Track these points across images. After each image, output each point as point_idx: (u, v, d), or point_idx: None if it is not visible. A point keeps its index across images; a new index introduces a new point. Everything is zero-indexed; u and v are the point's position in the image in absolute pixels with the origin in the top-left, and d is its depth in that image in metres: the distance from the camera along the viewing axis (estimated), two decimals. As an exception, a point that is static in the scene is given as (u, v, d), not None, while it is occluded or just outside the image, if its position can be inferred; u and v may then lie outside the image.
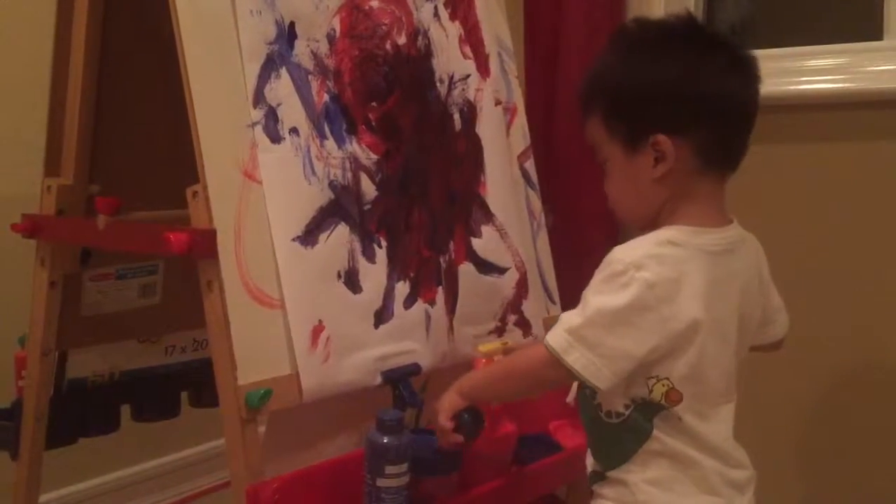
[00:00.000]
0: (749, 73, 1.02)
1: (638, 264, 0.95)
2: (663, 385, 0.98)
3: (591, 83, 1.07)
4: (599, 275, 0.98)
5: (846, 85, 1.66)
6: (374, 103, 1.26)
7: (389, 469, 1.04)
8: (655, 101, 1.00)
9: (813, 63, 1.70)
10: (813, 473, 1.71)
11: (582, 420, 1.10)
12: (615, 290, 0.95)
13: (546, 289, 1.52)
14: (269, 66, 1.14)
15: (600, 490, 1.06)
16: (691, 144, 1.00)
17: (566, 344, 0.97)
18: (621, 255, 0.97)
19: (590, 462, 1.09)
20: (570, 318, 0.99)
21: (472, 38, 1.44)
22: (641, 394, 1.00)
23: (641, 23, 1.08)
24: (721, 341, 1.00)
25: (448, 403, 1.10)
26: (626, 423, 1.02)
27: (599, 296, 0.97)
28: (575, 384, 1.41)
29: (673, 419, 0.99)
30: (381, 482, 1.04)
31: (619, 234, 1.71)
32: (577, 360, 0.96)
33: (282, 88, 1.15)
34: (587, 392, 1.06)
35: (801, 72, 1.70)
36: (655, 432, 1.00)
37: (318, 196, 1.16)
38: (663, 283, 0.95)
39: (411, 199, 1.28)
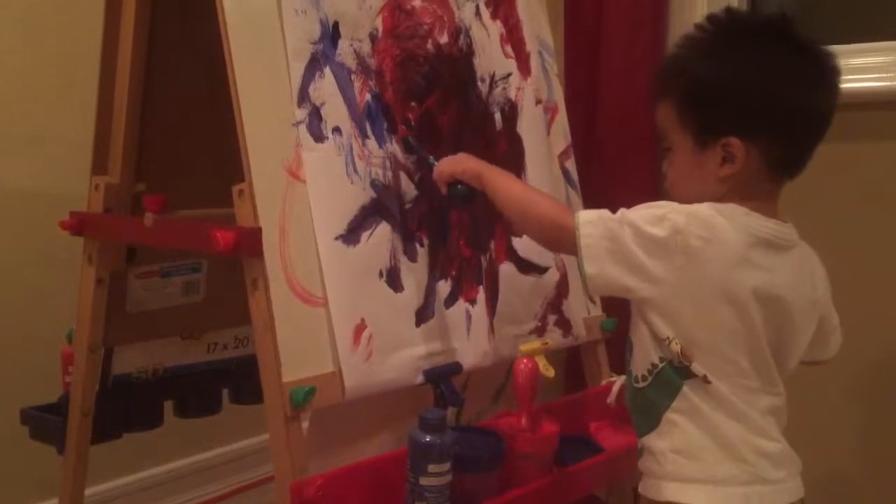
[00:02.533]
0: (833, 87, 1.01)
1: (677, 209, 0.98)
2: (676, 344, 0.99)
3: (674, 65, 1.06)
4: (642, 205, 1.00)
5: (892, 83, 1.63)
6: (414, 103, 1.26)
7: (432, 468, 1.04)
8: (738, 102, 0.99)
9: (857, 61, 1.67)
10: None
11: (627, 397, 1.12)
12: (649, 219, 0.97)
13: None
14: (314, 66, 1.15)
15: (640, 465, 1.07)
16: (762, 150, 1.00)
17: (595, 218, 1.00)
18: (665, 202, 1.00)
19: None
20: (607, 213, 1.01)
21: (513, 37, 1.44)
22: (666, 357, 1.01)
23: (735, 14, 1.07)
24: (739, 321, 0.98)
25: (461, 166, 1.16)
26: (651, 388, 1.03)
27: (634, 216, 0.99)
28: (617, 384, 1.41)
29: (695, 382, 0.99)
30: (423, 480, 1.04)
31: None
32: (589, 235, 0.99)
33: (325, 88, 1.16)
34: (626, 359, 1.08)
35: (845, 70, 1.66)
36: (684, 390, 1.00)
37: (361, 195, 1.17)
38: (690, 235, 0.95)
39: (452, 199, 1.28)
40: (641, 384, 1.04)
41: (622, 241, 0.98)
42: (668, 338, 0.99)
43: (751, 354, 1.00)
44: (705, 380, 0.99)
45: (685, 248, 0.96)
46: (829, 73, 1.01)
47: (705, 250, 0.96)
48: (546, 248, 1.19)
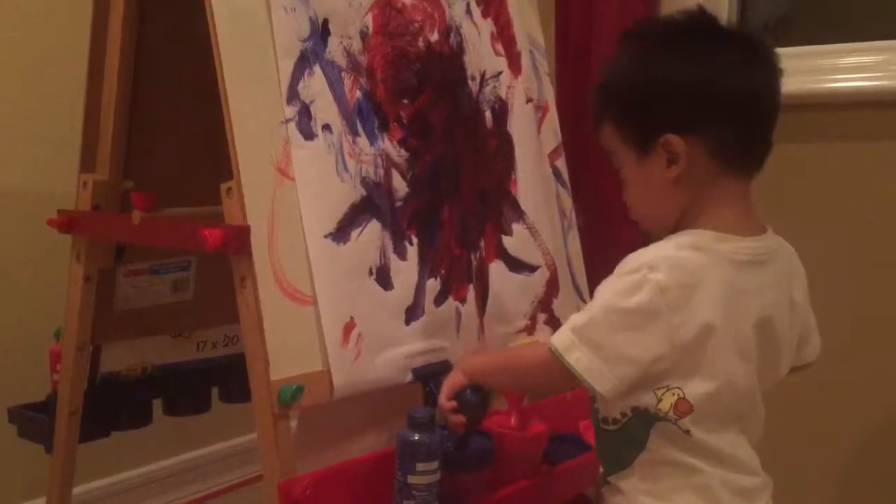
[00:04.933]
0: (766, 67, 0.96)
1: (652, 265, 0.90)
2: (673, 394, 0.93)
3: (600, 88, 1.03)
4: (613, 275, 0.94)
5: (882, 83, 1.64)
6: (405, 100, 1.26)
7: (420, 466, 1.04)
8: (663, 100, 0.95)
9: (848, 61, 1.68)
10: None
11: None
12: (625, 290, 0.91)
13: (576, 287, 1.51)
14: (303, 63, 1.14)
15: (605, 495, 1.03)
16: (705, 144, 0.94)
17: (569, 342, 0.93)
18: (637, 255, 0.93)
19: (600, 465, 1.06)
20: (577, 317, 0.95)
21: (503, 36, 1.44)
22: (645, 403, 0.94)
23: (649, 21, 1.05)
24: (738, 357, 0.94)
25: (450, 382, 1.09)
26: (623, 431, 0.98)
27: (608, 296, 0.93)
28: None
29: (673, 432, 0.94)
30: (412, 479, 1.04)
31: (650, 234, 1.70)
32: (578, 360, 0.92)
33: (315, 85, 1.15)
34: (589, 392, 1.01)
35: (836, 70, 1.68)
36: (649, 444, 0.95)
37: (351, 193, 1.16)
38: (676, 289, 0.90)
39: (442, 197, 1.28)
40: (611, 427, 0.99)
41: (609, 342, 0.91)
42: (664, 387, 0.93)
43: (742, 392, 0.96)
44: (687, 433, 0.94)
45: (676, 303, 0.90)
46: (757, 54, 0.96)
47: (696, 294, 0.90)
48: (559, 392, 1.11)
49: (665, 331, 0.90)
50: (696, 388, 0.93)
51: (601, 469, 1.04)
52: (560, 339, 0.94)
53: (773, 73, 0.97)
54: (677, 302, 0.90)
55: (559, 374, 0.94)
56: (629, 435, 0.97)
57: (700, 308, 0.90)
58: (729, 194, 0.97)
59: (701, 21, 0.98)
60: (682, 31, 0.98)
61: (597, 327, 0.92)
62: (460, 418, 1.08)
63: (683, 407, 0.93)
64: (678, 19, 0.99)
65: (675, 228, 0.98)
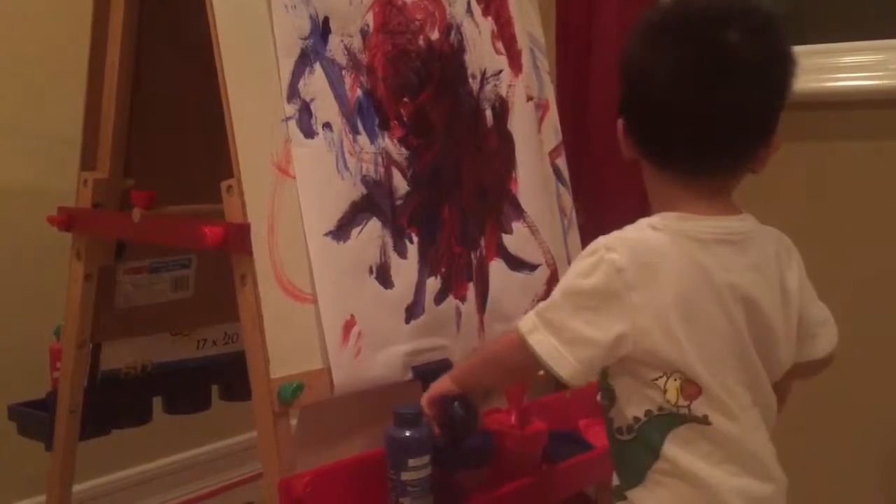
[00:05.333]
0: (712, 76, 0.90)
1: (608, 245, 0.91)
2: (675, 380, 0.91)
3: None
4: (577, 258, 0.95)
5: (883, 82, 1.64)
6: (406, 99, 1.26)
7: (412, 462, 1.04)
8: (621, 79, 0.98)
9: (849, 60, 1.68)
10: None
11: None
12: (583, 272, 0.91)
13: (576, 286, 1.51)
14: (304, 61, 1.14)
15: None
16: (634, 136, 0.97)
17: (531, 325, 0.94)
18: (600, 238, 0.93)
19: (613, 477, 1.03)
20: (543, 302, 0.95)
21: (504, 34, 1.44)
22: (655, 402, 0.93)
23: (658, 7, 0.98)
24: (721, 330, 0.92)
25: (436, 385, 1.09)
26: (637, 441, 0.95)
27: (569, 278, 0.93)
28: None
29: (690, 436, 0.92)
30: (405, 476, 1.04)
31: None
32: (539, 342, 0.92)
33: (316, 83, 1.15)
34: (602, 403, 1.00)
35: (837, 68, 1.68)
36: (664, 451, 0.93)
37: (351, 191, 1.16)
38: (633, 268, 0.89)
39: (442, 195, 1.28)
40: (625, 436, 0.97)
41: (567, 324, 0.91)
42: (662, 375, 0.92)
43: (741, 362, 0.94)
44: (705, 421, 0.92)
45: (634, 282, 0.89)
46: (710, 64, 0.90)
47: (657, 273, 0.90)
48: (526, 375, 1.08)
49: (623, 310, 0.90)
50: (693, 367, 0.91)
51: (616, 482, 1.01)
52: (524, 323, 0.95)
53: (719, 80, 0.91)
54: (635, 281, 0.89)
55: (528, 357, 0.94)
56: (644, 443, 0.95)
57: (663, 286, 0.90)
58: (686, 193, 0.95)
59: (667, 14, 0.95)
60: (656, 24, 0.96)
61: (556, 309, 0.93)
62: (436, 427, 1.08)
63: (690, 389, 0.91)
64: (674, 8, 0.96)
65: (641, 210, 0.99)
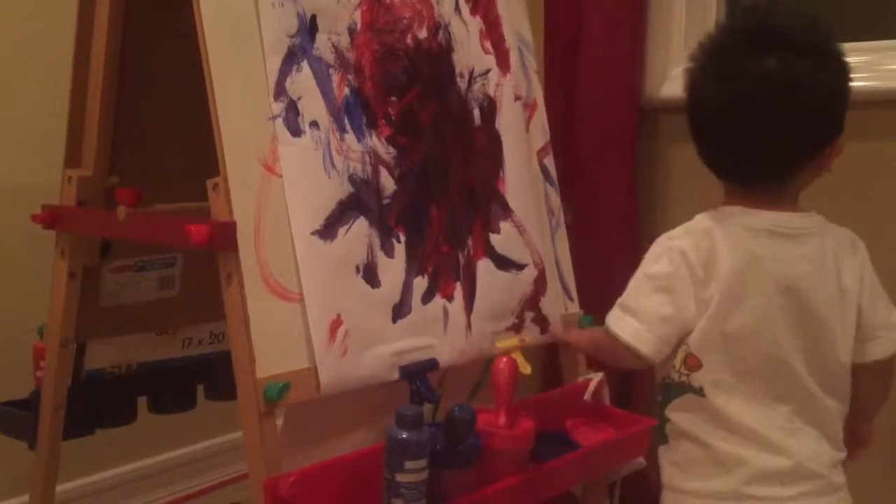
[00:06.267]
0: (796, 83, 0.99)
1: (671, 235, 1.05)
2: (683, 351, 1.03)
3: None
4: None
5: (870, 83, 1.64)
6: (394, 97, 1.26)
7: (409, 464, 1.03)
8: (691, 114, 1.08)
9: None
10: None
11: None
12: (651, 260, 1.04)
13: (564, 286, 1.51)
14: (291, 60, 1.14)
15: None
16: (710, 162, 1.07)
17: (615, 316, 1.06)
18: (663, 234, 1.06)
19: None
20: (622, 299, 1.07)
21: (492, 33, 1.43)
22: (670, 370, 1.05)
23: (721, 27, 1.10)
24: (753, 317, 1.00)
25: (574, 339, 1.32)
26: (662, 399, 1.08)
27: (640, 269, 1.05)
28: (594, 381, 1.41)
29: (691, 400, 1.02)
30: (400, 477, 1.03)
31: (638, 232, 1.70)
32: (623, 328, 1.04)
33: (303, 82, 1.15)
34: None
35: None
36: (669, 412, 1.06)
37: (338, 190, 1.16)
38: (694, 251, 1.01)
39: (430, 194, 1.28)
40: (660, 399, 1.10)
41: (644, 305, 1.04)
42: (685, 344, 1.03)
43: (763, 352, 1.00)
44: (700, 393, 1.01)
45: (696, 263, 1.01)
46: (760, 89, 0.99)
47: (715, 254, 1.00)
48: (622, 362, 1.14)
49: (691, 286, 1.01)
50: (697, 340, 1.01)
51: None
52: (609, 316, 1.08)
53: (802, 87, 0.99)
54: (698, 261, 1.01)
55: (615, 343, 1.06)
56: (662, 405, 1.08)
57: (717, 271, 1.00)
58: (743, 196, 1.05)
59: (743, 27, 1.04)
60: (725, 42, 1.04)
61: (632, 296, 1.05)
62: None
63: (692, 361, 1.02)
64: (730, 26, 1.09)
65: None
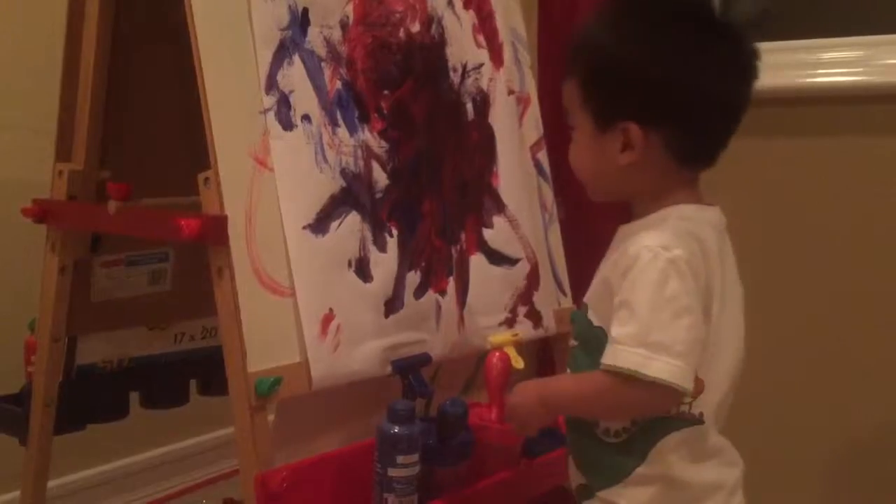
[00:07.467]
0: (747, 73, 0.95)
1: (665, 245, 0.89)
2: None
3: (580, 42, 1.00)
4: (629, 273, 0.89)
5: (863, 78, 1.64)
6: (386, 91, 1.25)
7: (401, 459, 1.03)
8: (639, 86, 0.93)
9: (829, 56, 1.69)
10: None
11: (567, 435, 1.04)
12: (655, 279, 0.87)
13: (557, 281, 1.51)
14: (282, 53, 1.13)
15: None
16: (664, 139, 0.94)
17: (641, 357, 0.87)
18: (644, 242, 0.90)
19: (575, 475, 1.02)
20: (625, 331, 0.88)
21: (485, 28, 1.43)
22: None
23: None
24: (736, 327, 0.97)
25: (536, 418, 1.03)
26: (627, 444, 0.95)
27: (643, 292, 0.88)
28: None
29: (683, 434, 0.93)
30: (392, 472, 1.03)
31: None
32: (660, 369, 0.86)
33: (294, 75, 1.14)
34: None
35: (817, 64, 1.68)
36: (651, 456, 0.93)
37: (330, 184, 1.15)
38: (692, 257, 0.89)
39: (423, 189, 1.28)
40: (612, 439, 0.95)
41: (674, 337, 0.87)
42: None
43: (737, 359, 0.98)
44: (699, 420, 0.93)
45: (699, 269, 0.90)
46: (742, 58, 0.94)
47: (707, 258, 0.92)
48: (648, 414, 0.97)
49: (702, 301, 0.90)
50: (700, 360, 0.91)
51: (579, 482, 1.01)
52: (628, 359, 0.88)
53: (749, 78, 0.95)
54: (699, 268, 0.90)
55: (641, 391, 0.88)
56: (633, 446, 0.94)
57: (709, 271, 0.92)
58: (679, 182, 0.97)
59: (698, 8, 0.95)
60: (677, 14, 0.95)
61: (654, 329, 0.87)
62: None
63: (698, 385, 0.91)
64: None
65: (624, 204, 1.00)
